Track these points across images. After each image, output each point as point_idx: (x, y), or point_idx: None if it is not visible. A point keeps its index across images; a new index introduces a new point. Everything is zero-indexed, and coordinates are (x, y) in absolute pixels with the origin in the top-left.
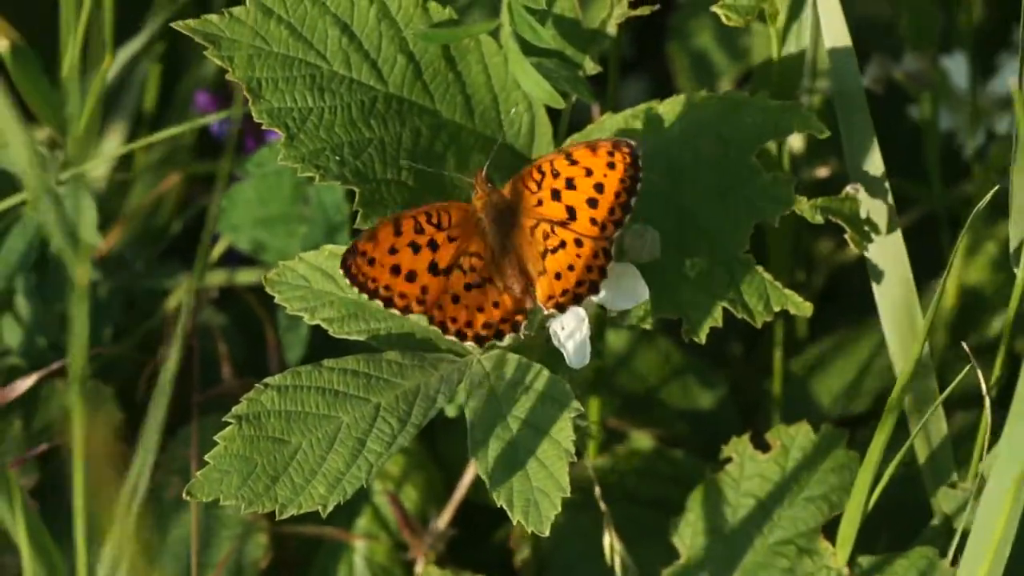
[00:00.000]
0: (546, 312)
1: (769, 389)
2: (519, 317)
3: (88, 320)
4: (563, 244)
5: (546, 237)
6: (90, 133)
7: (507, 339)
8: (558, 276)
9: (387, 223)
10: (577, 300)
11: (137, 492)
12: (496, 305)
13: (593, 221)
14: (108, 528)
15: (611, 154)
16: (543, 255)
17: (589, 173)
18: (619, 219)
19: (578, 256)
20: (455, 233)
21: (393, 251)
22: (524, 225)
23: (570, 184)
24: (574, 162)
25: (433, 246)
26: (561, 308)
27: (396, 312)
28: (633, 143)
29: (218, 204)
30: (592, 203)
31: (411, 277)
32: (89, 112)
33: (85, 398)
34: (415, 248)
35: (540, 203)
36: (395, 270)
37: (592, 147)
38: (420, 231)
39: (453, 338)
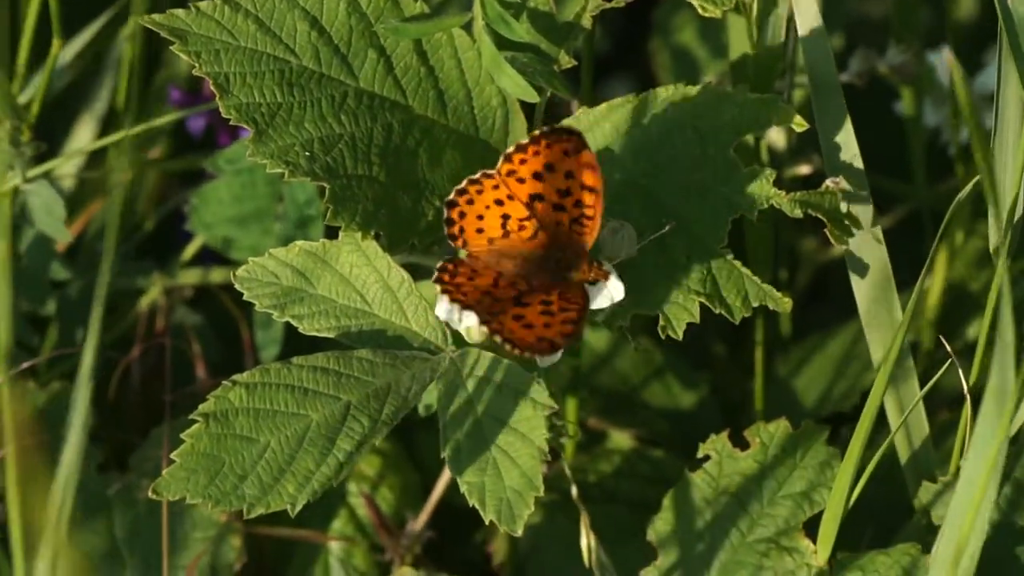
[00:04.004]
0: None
1: (752, 389)
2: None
3: (58, 319)
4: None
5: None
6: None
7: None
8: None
9: None
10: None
11: (67, 494)
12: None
13: None
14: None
15: None
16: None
17: None
18: None
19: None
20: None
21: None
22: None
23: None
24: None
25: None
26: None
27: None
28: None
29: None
30: None
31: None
32: (40, 100)
33: (37, 397)
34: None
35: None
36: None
37: None
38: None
39: None
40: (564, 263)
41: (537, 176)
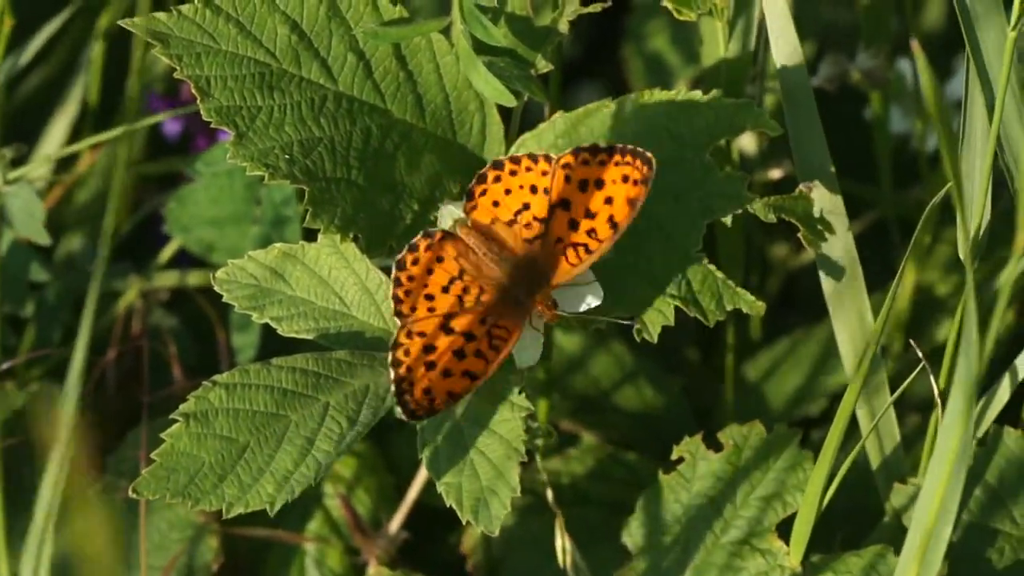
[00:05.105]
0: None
1: (724, 393)
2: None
3: (36, 320)
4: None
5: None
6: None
7: None
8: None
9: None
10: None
11: (54, 494)
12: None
13: None
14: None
15: None
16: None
17: None
18: None
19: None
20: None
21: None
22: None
23: None
24: None
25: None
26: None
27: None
28: None
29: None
30: None
31: None
32: None
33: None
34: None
35: None
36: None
37: None
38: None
39: None
40: (533, 283)
41: (582, 185)
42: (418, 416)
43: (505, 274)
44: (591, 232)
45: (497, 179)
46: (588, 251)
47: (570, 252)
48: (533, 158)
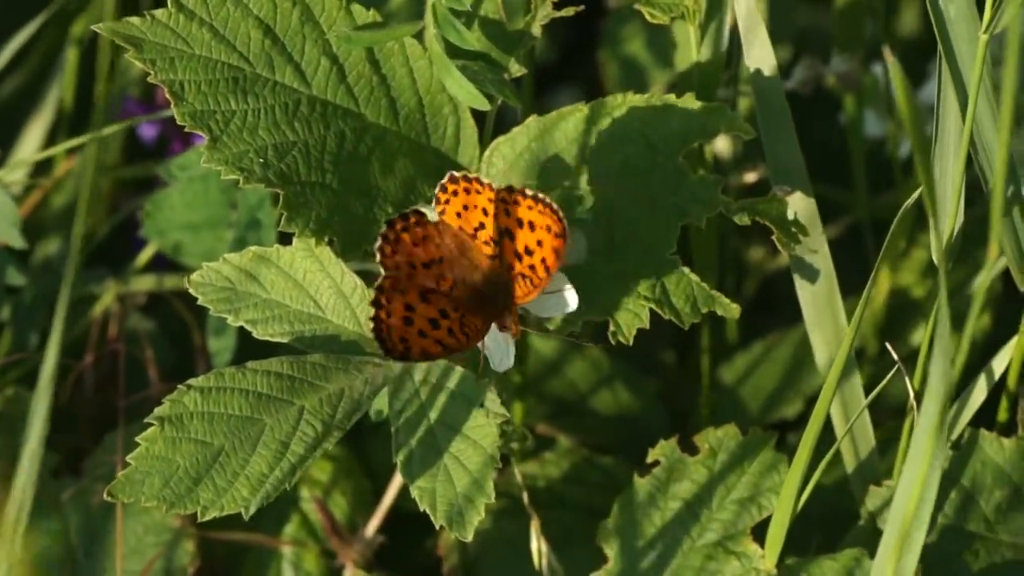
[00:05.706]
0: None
1: (700, 396)
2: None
3: (12, 324)
4: None
5: None
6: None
7: None
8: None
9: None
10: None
11: (25, 496)
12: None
13: None
14: None
15: None
16: None
17: None
18: None
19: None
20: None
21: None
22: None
23: None
24: None
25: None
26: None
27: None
28: None
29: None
30: None
31: None
32: None
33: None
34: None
35: None
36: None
37: None
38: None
39: None
40: (498, 296)
41: (519, 222)
42: (396, 358)
43: (474, 279)
44: (532, 268)
45: (455, 193)
46: (533, 284)
47: (520, 280)
48: (480, 183)
